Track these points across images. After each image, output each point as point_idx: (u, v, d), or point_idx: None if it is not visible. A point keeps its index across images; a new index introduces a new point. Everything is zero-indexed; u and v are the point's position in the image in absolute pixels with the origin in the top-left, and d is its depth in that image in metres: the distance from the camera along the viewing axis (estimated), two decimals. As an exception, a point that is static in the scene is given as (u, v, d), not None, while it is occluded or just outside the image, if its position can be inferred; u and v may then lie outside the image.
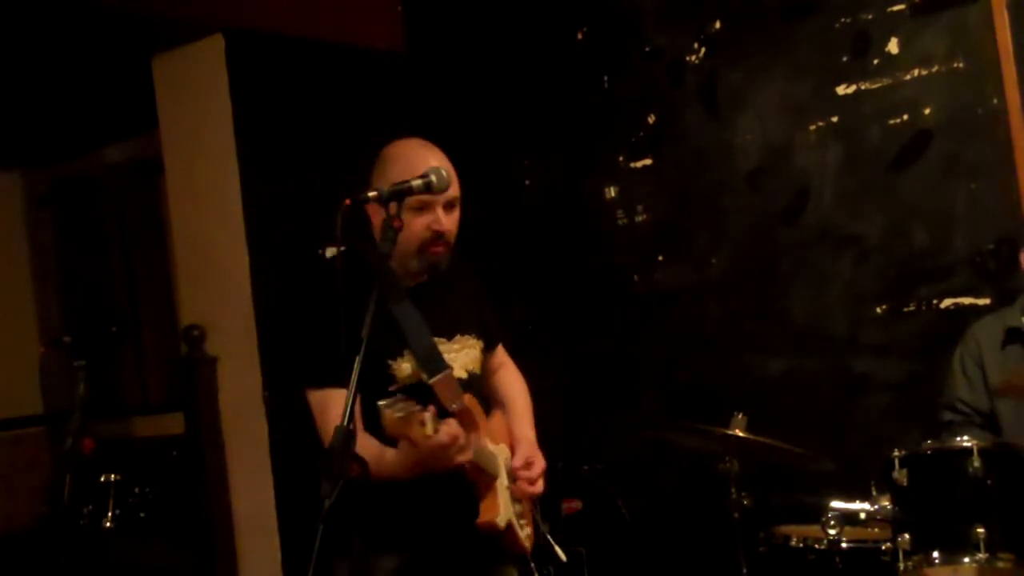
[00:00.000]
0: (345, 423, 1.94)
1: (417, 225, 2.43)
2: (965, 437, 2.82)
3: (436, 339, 2.49)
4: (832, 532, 2.97)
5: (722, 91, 4.17)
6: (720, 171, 4.18)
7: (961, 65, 3.63)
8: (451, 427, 2.27)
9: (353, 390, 1.97)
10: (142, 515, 4.49)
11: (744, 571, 3.21)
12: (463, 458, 2.33)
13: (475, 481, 2.49)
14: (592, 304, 4.56)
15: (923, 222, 3.74)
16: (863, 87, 3.83)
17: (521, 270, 4.72)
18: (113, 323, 5.55)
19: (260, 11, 4.39)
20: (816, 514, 3.03)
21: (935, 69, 3.69)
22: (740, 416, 3.17)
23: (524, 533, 2.62)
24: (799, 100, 3.98)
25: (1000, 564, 2.61)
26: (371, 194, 2.10)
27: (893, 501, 2.82)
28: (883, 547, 2.90)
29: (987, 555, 2.61)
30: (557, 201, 4.61)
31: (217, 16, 4.29)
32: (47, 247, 6.38)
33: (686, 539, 4.16)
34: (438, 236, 2.47)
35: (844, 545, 3.06)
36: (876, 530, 3.14)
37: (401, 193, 2.14)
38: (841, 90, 3.88)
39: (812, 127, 3.95)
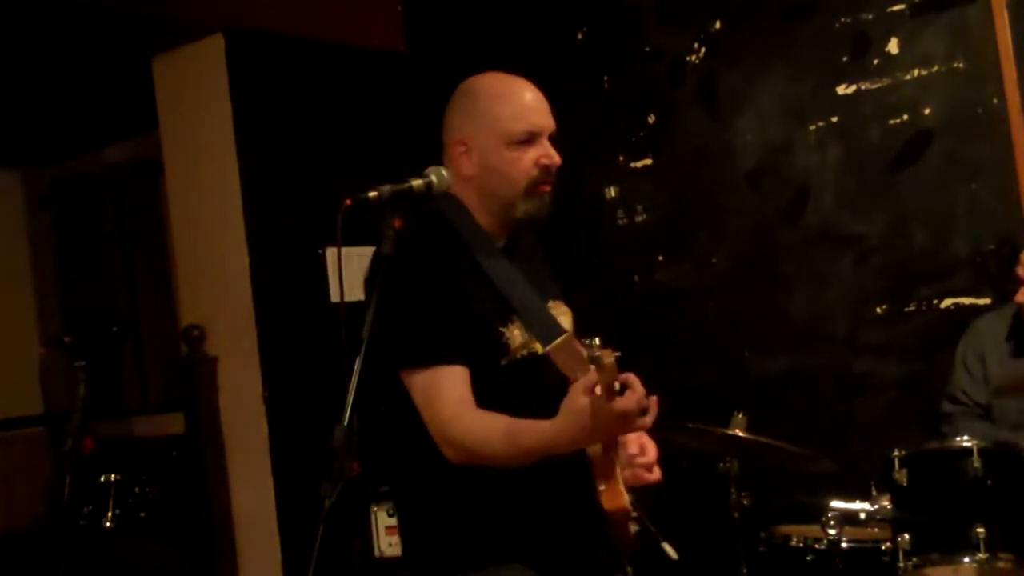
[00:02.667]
0: (346, 422, 1.93)
1: (524, 162, 2.24)
2: (965, 437, 2.83)
3: None
4: (832, 532, 2.97)
5: (722, 91, 4.17)
6: (720, 171, 4.18)
7: (961, 65, 3.63)
8: (637, 389, 1.98)
9: (353, 391, 1.96)
10: (142, 515, 4.49)
11: (744, 571, 3.21)
12: (648, 422, 2.02)
13: (596, 465, 2.22)
14: (592, 304, 4.56)
15: (923, 222, 3.73)
16: (863, 87, 3.83)
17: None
18: (113, 323, 5.55)
19: (260, 11, 4.39)
20: (816, 514, 3.03)
21: (935, 69, 3.69)
22: (740, 416, 3.17)
23: (633, 527, 2.34)
24: (799, 100, 3.98)
25: (1000, 564, 2.61)
26: (371, 194, 2.08)
27: (893, 501, 2.82)
28: (883, 547, 2.90)
29: (987, 555, 2.61)
30: (557, 201, 4.60)
31: (217, 16, 4.29)
32: (47, 247, 6.38)
33: (686, 539, 4.15)
34: (547, 172, 2.27)
35: (844, 545, 3.06)
36: (876, 530, 3.14)
37: (401, 194, 2.09)
38: (841, 90, 3.88)
39: (812, 127, 3.95)
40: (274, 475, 4.28)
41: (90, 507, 4.26)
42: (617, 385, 1.91)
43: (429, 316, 2.13)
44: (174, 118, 4.55)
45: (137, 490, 4.52)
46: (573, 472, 2.17)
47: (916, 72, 3.73)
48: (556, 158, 2.27)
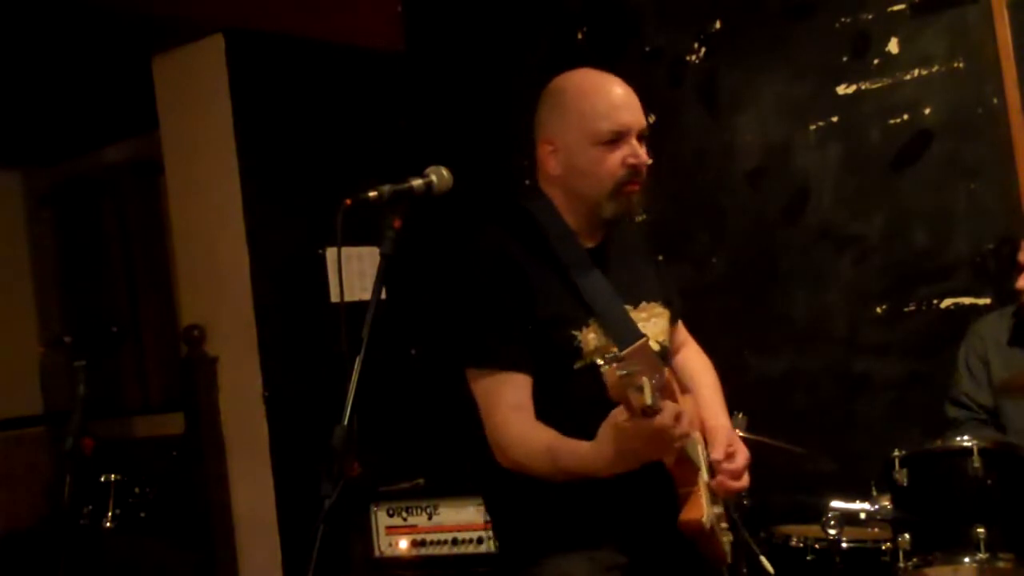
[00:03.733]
0: (346, 422, 1.93)
1: (611, 162, 2.17)
2: (965, 437, 2.83)
3: (624, 307, 2.21)
4: (832, 532, 2.97)
5: (722, 91, 4.17)
6: (720, 171, 4.18)
7: (961, 65, 3.63)
8: (674, 404, 1.88)
9: (353, 390, 1.95)
10: (142, 515, 4.49)
11: (744, 571, 3.21)
12: (682, 444, 1.93)
13: (675, 474, 2.12)
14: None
15: (923, 222, 3.74)
16: (863, 87, 3.83)
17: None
18: (113, 323, 5.55)
19: (260, 11, 4.39)
20: (816, 514, 3.03)
21: (935, 69, 3.69)
22: (740, 416, 3.17)
23: (725, 542, 2.23)
24: (799, 100, 3.98)
25: (1000, 564, 2.61)
26: (371, 194, 2.07)
27: (893, 501, 2.82)
28: (883, 547, 2.91)
29: (987, 555, 2.61)
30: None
31: (217, 16, 4.29)
32: (47, 247, 6.38)
33: (686, 539, 4.15)
34: (635, 172, 2.18)
35: (844, 545, 3.06)
36: (876, 530, 3.15)
37: (401, 195, 2.08)
38: (841, 90, 3.88)
39: (812, 127, 3.95)
40: (274, 475, 4.28)
41: (90, 507, 4.25)
42: (648, 395, 1.76)
43: (491, 319, 2.13)
44: (174, 118, 4.55)
45: (137, 490, 4.52)
46: (645, 478, 2.03)
47: (916, 72, 3.73)
48: (644, 158, 2.19)
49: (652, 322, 2.25)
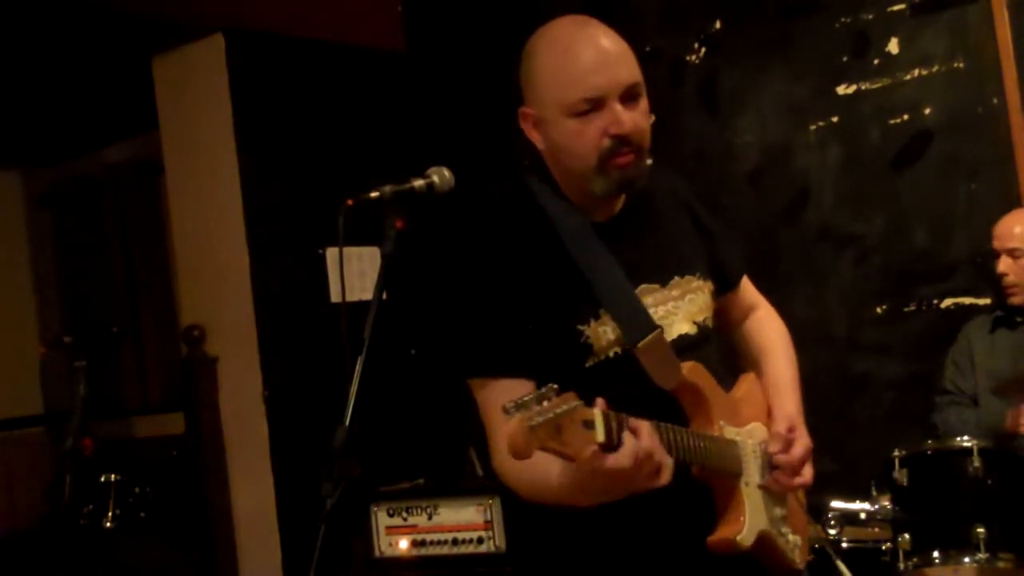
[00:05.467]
0: (346, 422, 1.92)
1: (589, 134, 1.84)
2: (965, 437, 2.83)
3: (647, 286, 1.91)
4: (832, 532, 2.98)
5: (722, 91, 4.17)
6: (720, 171, 4.17)
7: (961, 65, 3.63)
8: (641, 439, 1.59)
9: (354, 392, 1.95)
10: (142, 515, 4.48)
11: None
12: (662, 481, 1.64)
13: (711, 484, 1.87)
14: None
15: (923, 222, 3.74)
16: (863, 87, 3.83)
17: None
18: (113, 323, 5.55)
19: (260, 11, 4.39)
20: (816, 514, 3.03)
21: (935, 69, 3.69)
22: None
23: (790, 543, 1.97)
24: (799, 100, 3.98)
25: (1000, 564, 2.62)
26: (373, 194, 2.04)
27: (893, 501, 2.83)
28: (883, 547, 2.91)
29: (987, 555, 2.62)
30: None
31: (217, 16, 4.29)
32: (47, 247, 6.38)
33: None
34: (620, 142, 1.84)
35: (844, 545, 3.06)
36: (876, 530, 3.15)
37: (403, 195, 2.04)
38: (841, 90, 3.88)
39: (812, 127, 3.95)
40: (274, 475, 4.28)
41: (90, 507, 4.25)
42: (601, 431, 1.53)
43: (480, 323, 1.89)
44: (174, 118, 4.55)
45: (137, 490, 4.51)
46: (686, 488, 1.80)
47: (916, 72, 3.73)
48: (627, 124, 1.83)
49: (688, 299, 1.95)
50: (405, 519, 3.87)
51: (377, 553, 3.89)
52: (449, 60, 4.90)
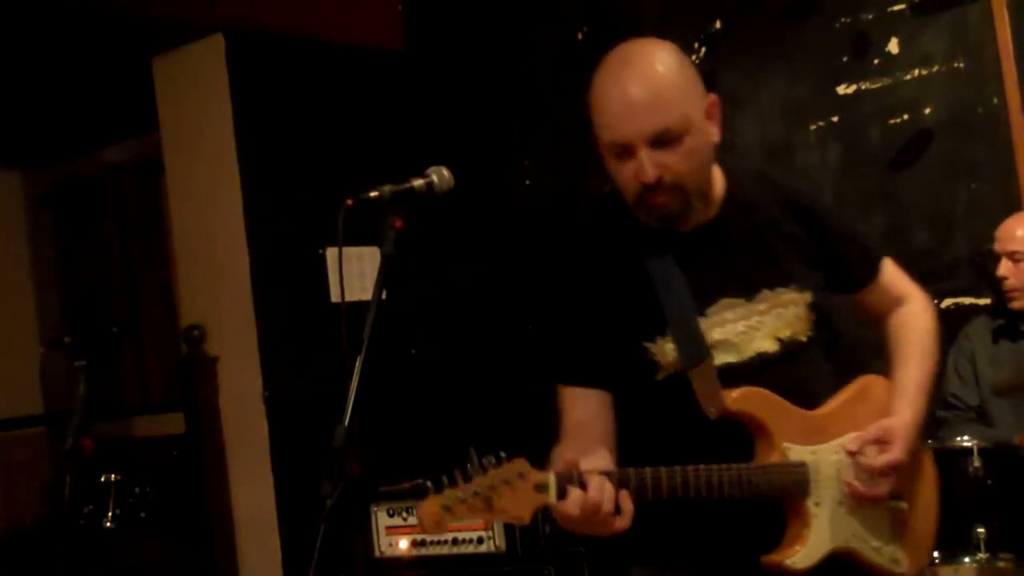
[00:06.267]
0: (346, 422, 1.92)
1: (624, 176, 1.89)
2: (965, 437, 2.83)
3: (730, 300, 1.93)
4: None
5: (722, 91, 4.15)
6: (720, 171, 4.17)
7: (961, 65, 3.63)
8: (589, 491, 1.68)
9: (353, 391, 1.95)
10: (142, 515, 4.48)
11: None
12: (619, 527, 1.72)
13: (781, 504, 1.91)
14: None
15: (923, 222, 3.74)
16: (863, 87, 3.83)
17: (521, 270, 4.72)
18: (113, 323, 5.54)
19: (260, 11, 4.39)
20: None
21: (935, 69, 3.69)
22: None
23: (885, 554, 1.96)
24: (799, 100, 3.98)
25: (1000, 564, 2.62)
26: (372, 194, 2.04)
27: (893, 501, 2.82)
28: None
29: (987, 555, 2.62)
30: (557, 201, 4.61)
31: (217, 16, 4.29)
32: (47, 247, 6.38)
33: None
34: (649, 187, 1.86)
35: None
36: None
37: (402, 195, 2.05)
38: (841, 90, 3.88)
39: (812, 127, 3.95)
40: (274, 475, 4.28)
41: (90, 507, 4.25)
42: (553, 500, 1.65)
43: (562, 334, 2.01)
44: (174, 118, 4.55)
45: (137, 490, 4.52)
46: (751, 513, 1.88)
47: (916, 72, 3.73)
48: (648, 173, 1.84)
49: (775, 314, 1.94)
50: (405, 519, 3.86)
51: (377, 553, 3.89)
52: (449, 60, 4.90)
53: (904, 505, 2.00)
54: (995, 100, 3.56)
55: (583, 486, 1.68)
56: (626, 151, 1.88)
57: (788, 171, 4.00)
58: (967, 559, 2.64)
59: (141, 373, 5.95)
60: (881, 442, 1.93)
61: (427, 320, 4.79)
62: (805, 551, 1.87)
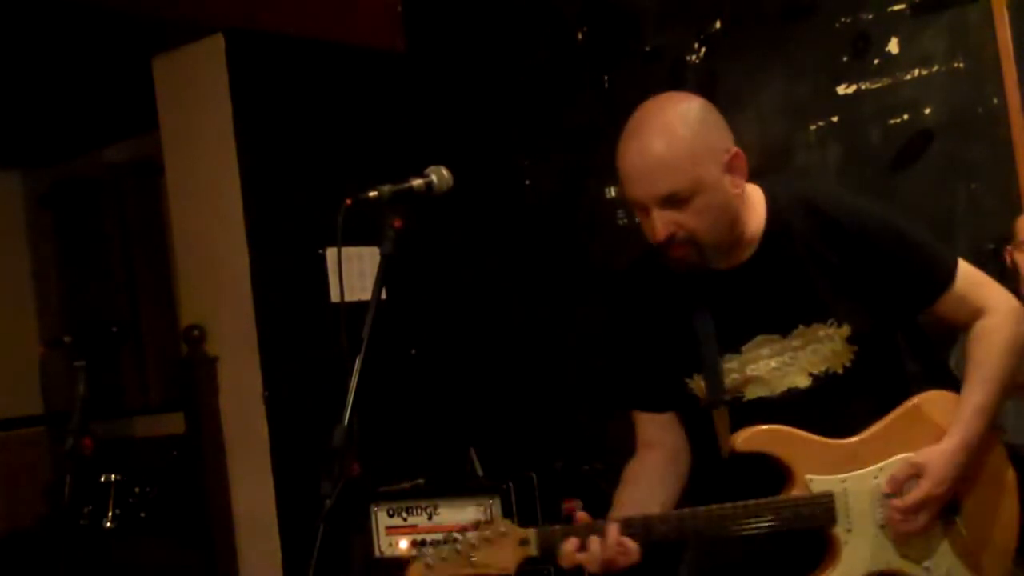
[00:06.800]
0: (346, 422, 1.93)
1: (646, 228, 2.04)
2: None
3: (765, 337, 2.02)
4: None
5: (722, 91, 4.16)
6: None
7: (961, 65, 3.63)
8: (577, 548, 1.90)
9: (353, 390, 1.95)
10: (142, 515, 4.49)
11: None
12: (627, 564, 1.92)
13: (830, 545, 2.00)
14: (593, 304, 4.56)
15: (923, 222, 3.73)
16: (863, 87, 3.83)
17: (521, 270, 4.72)
18: (113, 323, 5.53)
19: (260, 11, 4.38)
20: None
21: (935, 69, 3.69)
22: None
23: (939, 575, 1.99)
24: (799, 100, 3.98)
25: (1000, 564, 2.61)
26: (371, 194, 2.04)
27: (893, 501, 2.81)
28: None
29: (987, 555, 2.61)
30: (557, 201, 4.61)
31: (217, 16, 4.29)
32: (47, 247, 6.38)
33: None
34: (661, 244, 1.99)
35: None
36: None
37: (401, 195, 2.07)
38: (841, 90, 3.88)
39: (812, 127, 3.95)
40: (274, 475, 4.27)
41: (90, 507, 4.26)
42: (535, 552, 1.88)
43: (619, 362, 2.20)
44: (174, 118, 4.55)
45: (137, 490, 4.52)
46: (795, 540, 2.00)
47: (916, 72, 3.72)
48: (658, 232, 1.96)
49: (810, 350, 2.00)
50: (405, 519, 3.87)
51: (377, 553, 3.89)
52: (449, 60, 4.90)
53: (956, 519, 2.00)
54: (995, 100, 3.56)
55: (582, 539, 1.89)
56: (642, 209, 1.99)
57: (788, 171, 4.01)
58: (967, 559, 2.63)
59: (141, 373, 5.95)
60: (913, 477, 1.96)
61: (427, 320, 4.79)
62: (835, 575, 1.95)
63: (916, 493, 1.95)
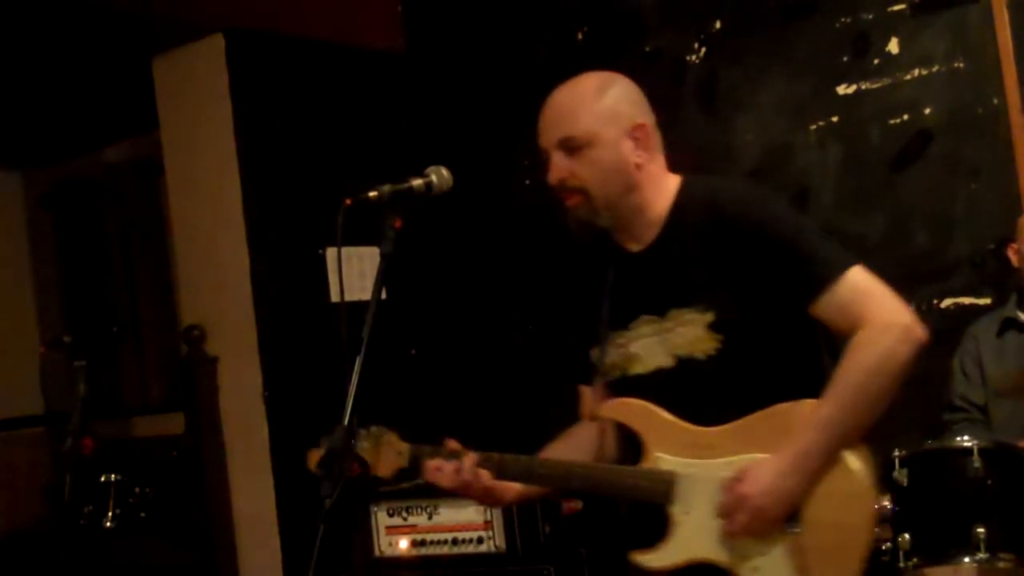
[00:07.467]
0: (346, 422, 1.93)
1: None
2: (965, 437, 2.83)
3: (647, 316, 2.14)
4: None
5: (722, 91, 4.16)
6: (720, 171, 4.17)
7: (961, 65, 3.63)
8: (440, 466, 2.16)
9: (353, 391, 1.95)
10: (142, 515, 4.49)
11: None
12: (490, 501, 2.23)
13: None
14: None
15: (923, 222, 3.73)
16: (863, 87, 3.83)
17: (521, 270, 4.72)
18: (113, 323, 5.55)
19: (260, 11, 4.38)
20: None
21: (935, 69, 3.69)
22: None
23: None
24: (799, 100, 3.98)
25: (1000, 564, 2.61)
26: (371, 194, 2.07)
27: (893, 501, 2.82)
28: (883, 547, 2.90)
29: (987, 555, 2.61)
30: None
31: (217, 16, 4.29)
32: (47, 247, 6.38)
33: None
34: (556, 189, 2.19)
35: (844, 545, 3.05)
36: (876, 530, 3.13)
37: (401, 195, 2.08)
38: (841, 90, 3.88)
39: (812, 127, 3.95)
40: (274, 475, 4.28)
41: (90, 507, 4.25)
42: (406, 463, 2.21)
43: (567, 338, 2.33)
44: (174, 118, 4.55)
45: (137, 490, 4.52)
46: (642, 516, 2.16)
47: (916, 72, 3.73)
48: (551, 174, 2.18)
49: (676, 332, 2.09)
50: (405, 519, 3.86)
51: (377, 553, 3.89)
52: (449, 60, 4.90)
53: (797, 531, 2.00)
54: (995, 100, 3.56)
55: (443, 461, 2.15)
56: (546, 158, 2.17)
57: (788, 171, 4.01)
58: (967, 559, 2.63)
59: (141, 373, 5.95)
60: (735, 480, 2.01)
61: (427, 320, 4.79)
62: (661, 553, 2.05)
63: (729, 495, 2.00)
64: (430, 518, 3.83)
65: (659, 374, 2.12)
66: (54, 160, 6.19)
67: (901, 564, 2.70)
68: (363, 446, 2.19)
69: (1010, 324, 3.32)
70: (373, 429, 2.22)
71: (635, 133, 2.18)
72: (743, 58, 4.10)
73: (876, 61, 3.80)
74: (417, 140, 4.76)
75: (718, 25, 4.16)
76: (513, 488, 2.22)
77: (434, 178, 2.14)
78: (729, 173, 4.14)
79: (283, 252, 4.38)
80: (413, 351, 4.77)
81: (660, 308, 2.12)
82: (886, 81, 3.78)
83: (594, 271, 2.25)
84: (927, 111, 3.71)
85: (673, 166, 4.38)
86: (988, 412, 3.29)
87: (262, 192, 4.36)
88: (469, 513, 3.77)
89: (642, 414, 2.10)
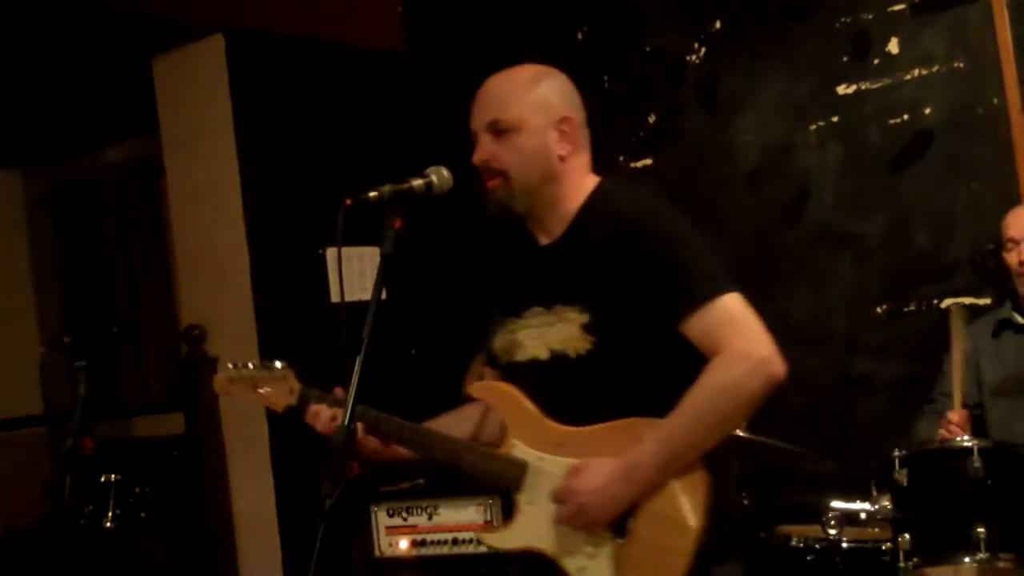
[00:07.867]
0: (345, 422, 1.93)
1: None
2: (965, 437, 2.83)
3: (537, 308, 2.18)
4: (832, 532, 2.98)
5: (722, 91, 4.16)
6: (720, 171, 4.17)
7: (961, 65, 3.63)
8: (331, 407, 2.28)
9: (353, 391, 1.96)
10: (142, 515, 4.49)
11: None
12: (368, 454, 2.28)
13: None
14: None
15: (923, 222, 3.74)
16: (863, 87, 3.83)
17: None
18: (113, 323, 5.54)
19: (260, 11, 4.39)
20: (816, 514, 3.03)
21: (935, 69, 3.69)
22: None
23: (586, 573, 2.06)
24: (799, 100, 3.98)
25: (1000, 564, 2.61)
26: (371, 194, 2.07)
27: (893, 501, 2.82)
28: (883, 547, 2.90)
29: (987, 555, 2.61)
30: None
31: (217, 16, 4.29)
32: (47, 247, 6.38)
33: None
34: (481, 168, 2.24)
35: (844, 545, 3.06)
36: (876, 530, 3.14)
37: (401, 195, 2.09)
38: (841, 90, 3.88)
39: (812, 127, 3.95)
40: (274, 475, 4.28)
41: (90, 507, 4.26)
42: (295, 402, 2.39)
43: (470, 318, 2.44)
44: (174, 118, 4.55)
45: (137, 490, 4.52)
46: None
47: (916, 72, 3.73)
48: (476, 154, 2.26)
49: (556, 327, 2.14)
50: (405, 519, 3.86)
51: (377, 553, 3.89)
52: (449, 60, 4.90)
53: (622, 541, 2.04)
54: (995, 100, 3.56)
55: (325, 407, 2.30)
56: (475, 141, 2.25)
57: (788, 171, 4.01)
58: (967, 559, 2.64)
59: (141, 373, 5.95)
60: (571, 473, 2.08)
61: (427, 320, 4.79)
62: (502, 536, 2.17)
63: (562, 485, 2.07)
64: (430, 518, 3.83)
65: (535, 365, 2.17)
66: (54, 160, 6.20)
67: (901, 564, 2.71)
68: (263, 377, 2.39)
69: (1006, 325, 3.34)
70: (277, 364, 2.40)
71: (562, 126, 2.22)
72: (743, 58, 4.10)
73: (876, 61, 3.80)
74: (417, 140, 4.76)
75: (718, 25, 4.16)
76: (388, 450, 2.36)
77: (434, 178, 2.16)
78: (729, 173, 4.15)
79: (283, 252, 4.38)
80: (413, 351, 4.77)
81: (548, 302, 2.17)
82: (886, 81, 3.78)
83: (507, 257, 2.34)
84: (927, 111, 3.71)
85: (673, 166, 4.41)
86: (984, 411, 3.30)
87: (262, 192, 4.36)
88: (469, 513, 3.77)
89: (507, 400, 2.19)
